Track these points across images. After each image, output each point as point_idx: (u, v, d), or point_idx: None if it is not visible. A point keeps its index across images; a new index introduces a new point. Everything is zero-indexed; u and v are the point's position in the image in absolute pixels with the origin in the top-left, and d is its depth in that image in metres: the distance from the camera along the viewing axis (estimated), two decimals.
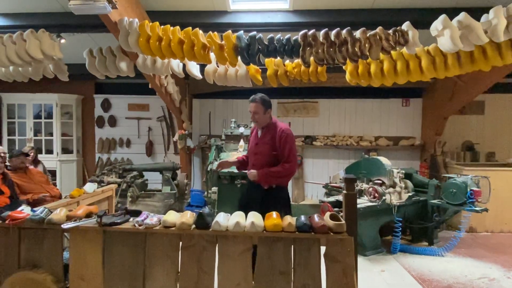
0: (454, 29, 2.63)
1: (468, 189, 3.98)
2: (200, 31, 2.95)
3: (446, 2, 3.71)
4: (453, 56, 2.86)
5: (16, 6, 3.87)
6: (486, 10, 2.77)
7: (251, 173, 2.77)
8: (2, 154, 3.58)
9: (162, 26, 2.99)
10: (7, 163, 3.81)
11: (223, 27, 3.65)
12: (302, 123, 6.73)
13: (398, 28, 2.76)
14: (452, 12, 2.76)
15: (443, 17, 2.66)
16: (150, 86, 4.73)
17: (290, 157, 2.75)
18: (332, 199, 4.47)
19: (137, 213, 2.51)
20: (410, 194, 4.47)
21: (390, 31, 2.76)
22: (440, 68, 2.92)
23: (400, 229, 4.08)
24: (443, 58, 2.91)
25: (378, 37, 2.75)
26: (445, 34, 2.67)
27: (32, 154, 4.60)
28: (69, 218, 2.35)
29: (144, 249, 2.25)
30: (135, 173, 5.59)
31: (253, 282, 2.17)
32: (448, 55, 2.88)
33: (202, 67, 3.55)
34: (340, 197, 4.43)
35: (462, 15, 2.64)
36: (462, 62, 2.87)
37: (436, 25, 2.70)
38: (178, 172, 5.87)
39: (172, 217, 2.30)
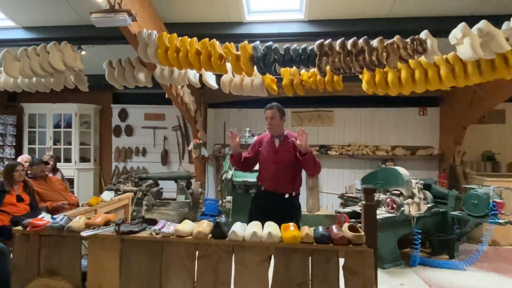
0: (474, 37, 2.59)
1: (491, 201, 3.85)
2: (217, 42, 2.99)
3: (464, 10, 3.66)
4: (473, 64, 2.81)
5: (40, 19, 4.02)
6: (507, 17, 2.72)
7: (303, 144, 2.56)
8: (24, 163, 3.68)
9: (180, 38, 3.05)
10: (28, 172, 3.91)
11: (239, 37, 3.69)
12: (316, 132, 6.69)
13: (416, 36, 2.73)
14: (471, 20, 2.72)
15: (462, 25, 2.62)
16: (166, 96, 4.80)
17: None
18: (348, 209, 4.39)
19: (153, 222, 2.53)
20: (429, 205, 4.36)
21: (408, 40, 2.73)
22: (460, 77, 2.88)
23: (419, 241, 3.97)
24: (463, 66, 2.86)
25: (395, 46, 2.72)
26: (464, 42, 2.63)
27: (51, 162, 4.71)
28: (88, 226, 2.38)
29: (161, 258, 2.26)
30: (150, 181, 5.65)
31: None
32: (468, 63, 2.83)
33: (218, 77, 3.59)
34: (356, 208, 4.35)
35: (483, 23, 2.60)
36: (483, 70, 2.82)
37: (456, 33, 2.66)
38: (193, 181, 5.90)
39: (185, 226, 2.31)
